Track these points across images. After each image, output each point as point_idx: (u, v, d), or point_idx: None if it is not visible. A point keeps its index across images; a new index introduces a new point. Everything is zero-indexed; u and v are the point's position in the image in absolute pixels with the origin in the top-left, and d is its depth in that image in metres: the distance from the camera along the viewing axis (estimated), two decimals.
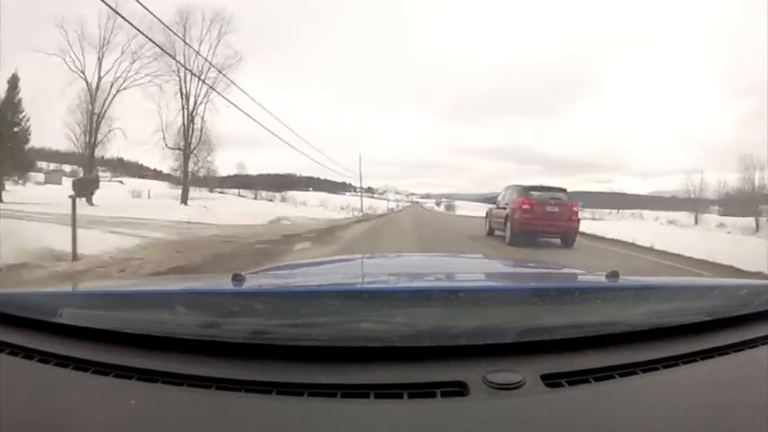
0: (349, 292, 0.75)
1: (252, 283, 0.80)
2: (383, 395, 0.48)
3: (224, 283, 0.77)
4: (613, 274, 0.83)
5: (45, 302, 0.69)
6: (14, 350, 0.57)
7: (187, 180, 23.97)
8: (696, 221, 33.28)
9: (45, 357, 0.55)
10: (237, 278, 0.74)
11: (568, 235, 9.08)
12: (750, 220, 29.44)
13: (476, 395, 0.48)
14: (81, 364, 0.53)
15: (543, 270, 1.35)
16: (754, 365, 0.60)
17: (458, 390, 0.49)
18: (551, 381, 0.51)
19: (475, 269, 1.35)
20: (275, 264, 3.25)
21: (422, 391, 0.49)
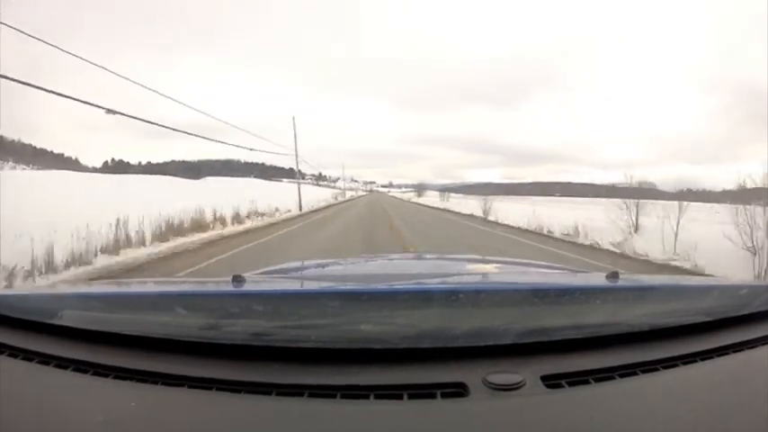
0: (349, 293, 0.75)
1: (252, 284, 0.79)
2: (383, 396, 0.48)
3: (224, 284, 0.76)
4: (613, 275, 0.83)
5: (45, 304, 0.69)
6: (14, 352, 0.56)
7: None
8: None
9: (45, 359, 0.55)
10: (237, 280, 0.73)
11: None
12: None
13: (476, 396, 0.48)
14: (81, 366, 0.53)
15: (543, 270, 1.34)
16: (754, 366, 0.60)
17: (458, 391, 0.49)
18: (551, 381, 0.51)
19: (474, 270, 1.35)
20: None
21: (422, 392, 0.49)
